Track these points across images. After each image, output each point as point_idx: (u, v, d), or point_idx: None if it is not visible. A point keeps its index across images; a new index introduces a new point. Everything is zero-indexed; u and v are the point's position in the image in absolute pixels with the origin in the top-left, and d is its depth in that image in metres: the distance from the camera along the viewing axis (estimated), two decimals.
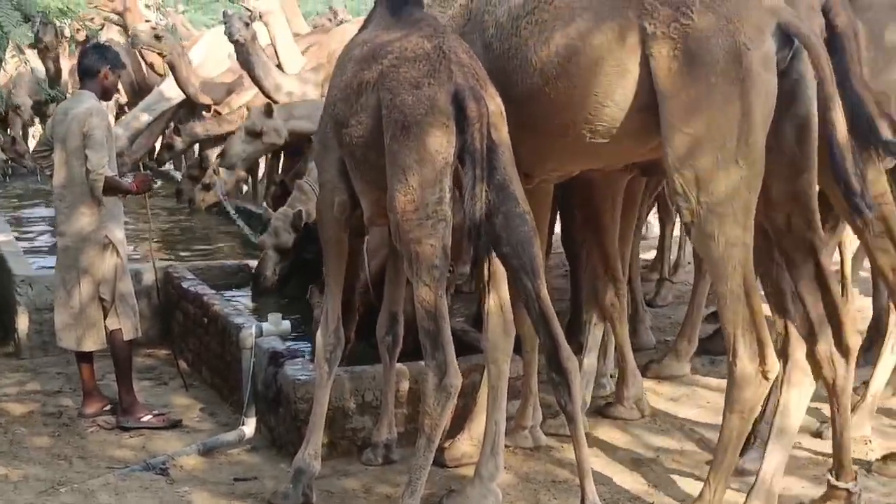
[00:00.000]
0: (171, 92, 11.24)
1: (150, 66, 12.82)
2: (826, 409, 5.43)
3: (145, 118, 11.40)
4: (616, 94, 3.95)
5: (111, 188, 5.58)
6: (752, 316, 3.91)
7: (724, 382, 5.91)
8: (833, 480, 4.35)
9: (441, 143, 3.97)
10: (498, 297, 4.42)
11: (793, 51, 3.83)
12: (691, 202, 3.86)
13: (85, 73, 5.82)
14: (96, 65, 5.72)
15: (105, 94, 5.81)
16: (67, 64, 14.14)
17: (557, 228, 8.15)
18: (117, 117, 13.23)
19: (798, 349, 4.26)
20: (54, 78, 13.53)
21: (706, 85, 3.74)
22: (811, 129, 3.95)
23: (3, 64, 12.76)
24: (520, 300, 4.19)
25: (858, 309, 6.77)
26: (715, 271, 3.94)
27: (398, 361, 5.02)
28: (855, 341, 4.30)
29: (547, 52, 4.07)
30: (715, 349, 6.52)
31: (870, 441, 5.20)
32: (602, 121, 4.02)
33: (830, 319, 4.21)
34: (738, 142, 3.74)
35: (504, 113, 4.10)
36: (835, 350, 4.23)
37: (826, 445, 5.12)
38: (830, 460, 4.95)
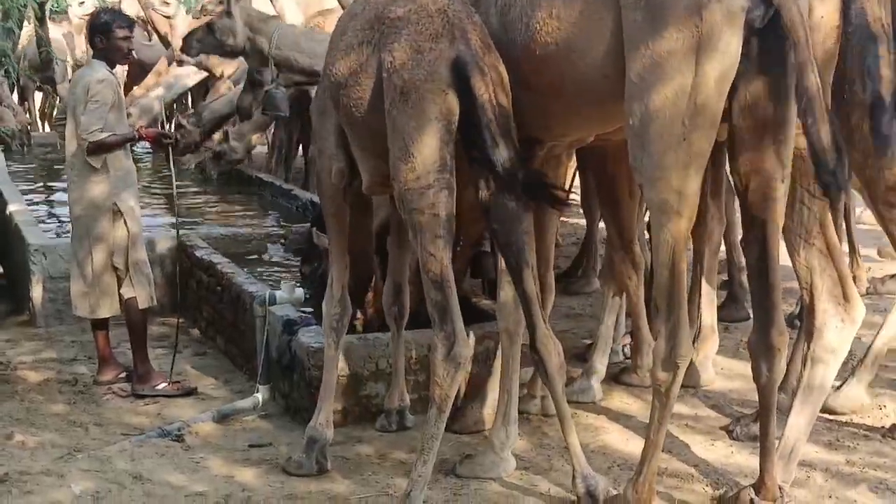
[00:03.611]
0: (186, 72, 11.30)
1: (162, 39, 12.80)
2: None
3: (160, 99, 11.41)
4: (595, 49, 3.83)
5: (104, 147, 5.52)
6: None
7: (738, 349, 5.95)
8: None
9: (440, 111, 3.93)
10: None
11: (773, 9, 3.60)
12: (636, 161, 3.75)
13: (90, 43, 5.80)
14: (94, 32, 5.67)
15: (113, 58, 5.71)
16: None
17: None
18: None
19: (826, 317, 4.22)
20: None
21: (664, 40, 3.58)
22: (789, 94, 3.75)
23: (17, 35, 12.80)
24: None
25: None
26: (653, 237, 3.84)
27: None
28: None
29: (533, 8, 3.99)
30: (728, 316, 6.52)
31: (884, 406, 5.18)
32: (586, 78, 3.91)
33: None
34: (687, 101, 3.59)
35: (507, 82, 4.04)
36: None
37: None
38: (846, 427, 4.98)
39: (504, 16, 4.15)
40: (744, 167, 3.85)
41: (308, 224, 6.34)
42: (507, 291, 4.44)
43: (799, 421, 4.26)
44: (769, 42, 3.62)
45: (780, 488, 4.07)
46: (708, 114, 3.62)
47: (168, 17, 11.43)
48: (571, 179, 8.08)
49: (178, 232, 6.49)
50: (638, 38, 3.65)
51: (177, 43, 11.78)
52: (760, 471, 4.06)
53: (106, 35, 5.61)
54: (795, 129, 3.87)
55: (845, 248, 7.29)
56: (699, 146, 3.66)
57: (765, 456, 4.06)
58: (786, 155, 3.83)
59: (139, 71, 13.19)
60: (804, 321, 4.52)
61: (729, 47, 3.57)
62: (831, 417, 5.05)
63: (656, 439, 3.98)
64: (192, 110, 10.38)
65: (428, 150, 3.94)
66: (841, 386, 5.13)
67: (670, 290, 3.79)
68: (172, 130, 5.88)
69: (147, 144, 11.56)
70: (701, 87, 3.57)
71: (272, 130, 11.65)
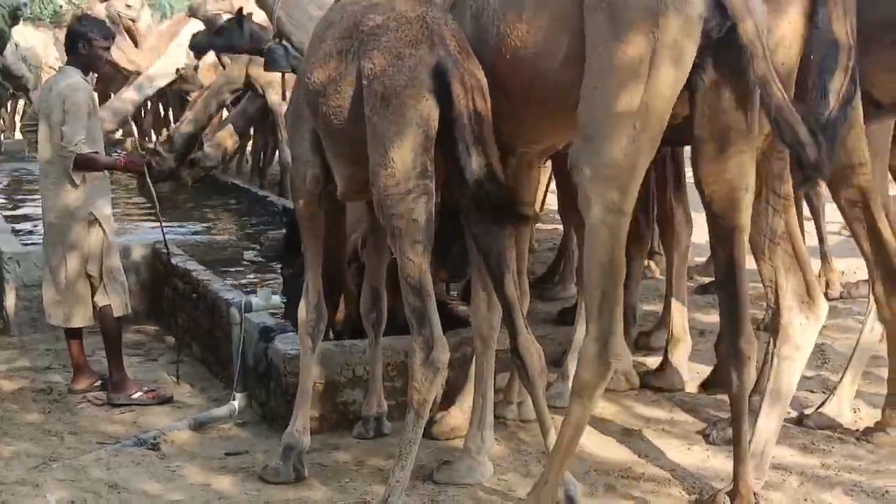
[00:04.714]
0: (157, 74, 11.31)
1: (134, 42, 12.79)
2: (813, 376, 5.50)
3: (132, 100, 11.38)
4: (562, 54, 3.83)
5: (89, 164, 5.52)
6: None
7: (713, 353, 5.98)
8: None
9: (421, 116, 3.93)
10: (482, 271, 4.41)
11: (730, 20, 3.59)
12: (580, 160, 3.73)
13: (68, 49, 5.78)
14: (75, 38, 5.66)
15: (89, 67, 5.73)
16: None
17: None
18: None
19: (791, 315, 4.26)
20: None
21: (620, 42, 3.58)
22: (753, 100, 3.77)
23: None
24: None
25: None
26: (588, 235, 3.80)
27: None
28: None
29: (503, 12, 4.00)
30: None
31: (858, 409, 5.21)
32: (555, 84, 3.90)
33: None
34: (639, 104, 3.59)
35: (486, 87, 4.04)
36: None
37: None
38: (820, 430, 5.01)
39: (477, 20, 4.16)
40: (706, 177, 3.88)
41: (284, 230, 6.33)
42: (480, 296, 4.45)
43: (768, 422, 4.30)
44: (727, 52, 3.62)
45: (754, 494, 4.10)
46: (658, 118, 3.62)
47: (133, 21, 11.51)
48: (546, 185, 8.14)
49: (169, 255, 6.44)
50: (596, 39, 3.66)
51: (143, 44, 11.83)
52: (734, 476, 4.09)
53: (89, 42, 5.61)
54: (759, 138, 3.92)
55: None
56: (647, 148, 3.67)
57: (738, 462, 4.09)
58: (748, 165, 3.85)
59: (112, 72, 13.19)
60: (770, 321, 4.56)
61: (683, 55, 3.58)
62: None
63: (571, 447, 3.94)
64: (167, 133, 10.37)
65: (408, 156, 3.94)
66: (822, 404, 5.15)
67: (606, 288, 3.74)
68: (149, 144, 5.83)
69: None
70: (653, 92, 3.58)
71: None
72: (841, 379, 5.15)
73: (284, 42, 6.51)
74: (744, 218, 3.92)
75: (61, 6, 16.19)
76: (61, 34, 14.93)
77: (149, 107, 14.25)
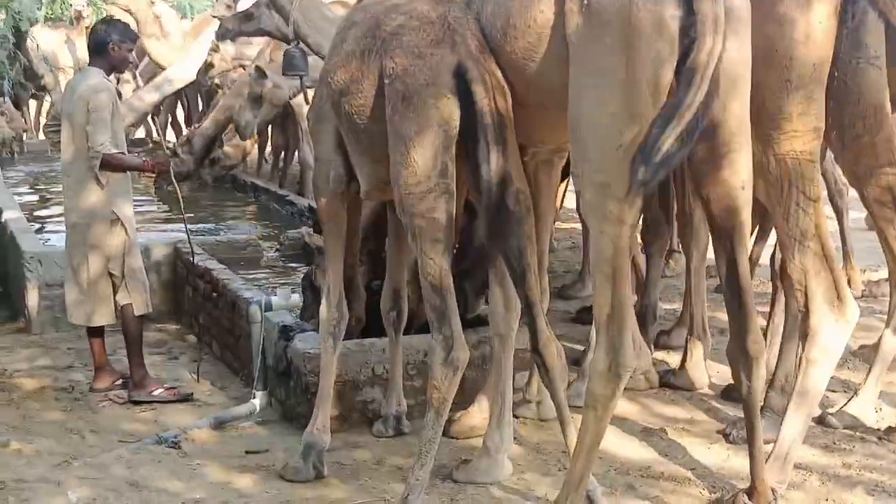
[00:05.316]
0: (176, 75, 11.37)
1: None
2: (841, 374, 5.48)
3: (151, 99, 11.45)
4: (550, 57, 3.79)
5: (115, 165, 5.57)
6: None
7: None
8: None
9: (442, 115, 3.94)
10: (501, 270, 4.41)
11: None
12: (576, 168, 3.70)
13: (92, 50, 5.82)
14: (102, 40, 5.70)
15: (114, 69, 5.79)
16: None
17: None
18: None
19: (820, 318, 4.23)
20: None
21: (598, 45, 3.54)
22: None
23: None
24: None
25: None
26: (592, 246, 3.77)
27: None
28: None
29: (496, 15, 3.99)
30: None
31: (880, 409, 5.18)
32: (548, 87, 3.86)
33: None
34: (621, 109, 3.52)
35: (505, 87, 4.03)
36: None
37: None
38: (841, 429, 4.99)
39: (480, 20, 4.16)
40: (701, 178, 3.86)
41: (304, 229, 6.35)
42: (497, 296, 4.45)
43: (794, 423, 4.27)
44: None
45: (773, 491, 4.08)
46: (644, 122, 3.51)
47: (157, 17, 11.60)
48: (566, 184, 8.13)
49: (192, 255, 6.47)
50: (577, 43, 3.63)
51: (167, 41, 11.90)
52: (751, 476, 4.09)
53: (117, 45, 5.65)
54: (790, 130, 3.90)
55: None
56: None
57: (754, 461, 4.08)
58: (743, 163, 3.83)
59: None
60: (800, 323, 4.52)
61: (660, 55, 3.49)
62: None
63: (589, 457, 3.90)
64: (185, 135, 10.44)
65: (429, 155, 3.95)
66: (846, 404, 5.12)
67: (612, 300, 3.70)
68: (170, 144, 5.84)
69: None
70: (634, 95, 3.51)
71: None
72: (865, 379, 5.12)
73: (301, 45, 6.52)
74: (743, 215, 3.89)
75: (70, 5, 16.26)
76: (73, 35, 15.06)
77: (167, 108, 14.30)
